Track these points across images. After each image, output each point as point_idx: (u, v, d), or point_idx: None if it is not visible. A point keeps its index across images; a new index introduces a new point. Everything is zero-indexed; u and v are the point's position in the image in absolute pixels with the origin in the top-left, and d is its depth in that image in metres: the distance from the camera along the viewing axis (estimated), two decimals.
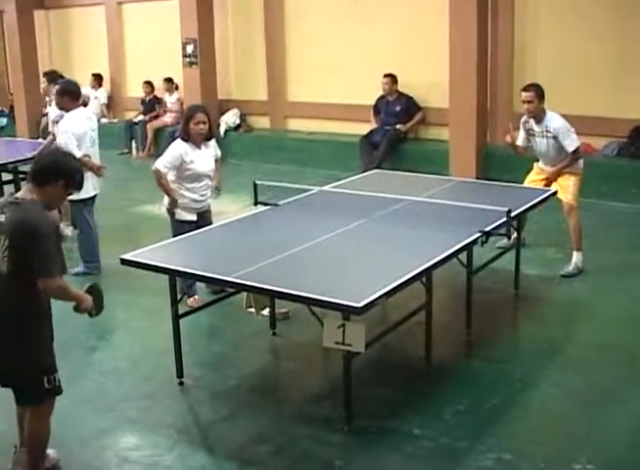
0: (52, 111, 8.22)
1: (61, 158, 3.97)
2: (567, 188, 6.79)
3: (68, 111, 7.10)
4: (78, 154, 6.88)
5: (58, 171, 3.80)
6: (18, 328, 3.71)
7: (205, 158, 6.19)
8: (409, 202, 5.97)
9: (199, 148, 6.14)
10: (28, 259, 3.61)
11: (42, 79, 9.51)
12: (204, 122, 6.05)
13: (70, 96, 7.13)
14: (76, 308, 3.89)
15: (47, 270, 3.63)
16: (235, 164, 12.05)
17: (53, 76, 8.76)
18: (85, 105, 12.93)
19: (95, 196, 7.27)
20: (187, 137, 6.08)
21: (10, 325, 3.72)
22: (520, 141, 7.07)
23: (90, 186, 6.94)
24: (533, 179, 7.06)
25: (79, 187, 3.95)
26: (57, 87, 7.38)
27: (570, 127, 6.76)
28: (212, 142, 6.32)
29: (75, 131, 6.96)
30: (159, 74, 13.37)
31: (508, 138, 7.02)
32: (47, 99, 9.24)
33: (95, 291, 3.97)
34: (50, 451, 4.10)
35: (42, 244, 3.61)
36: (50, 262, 3.65)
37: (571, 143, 6.72)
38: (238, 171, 11.25)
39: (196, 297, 6.08)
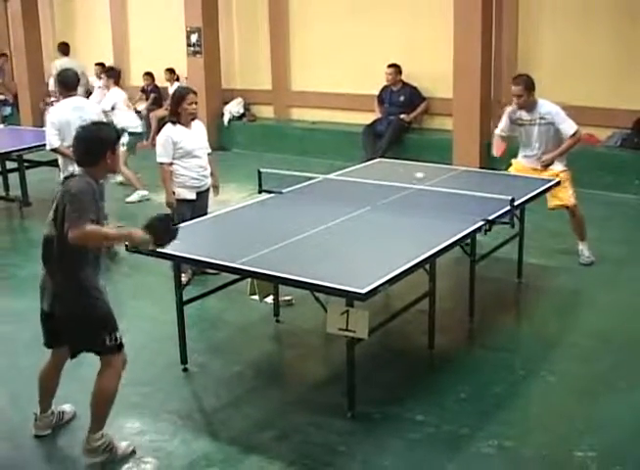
0: None
1: (93, 134, 4.00)
2: (564, 190, 6.61)
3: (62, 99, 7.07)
4: (57, 144, 6.88)
5: (100, 147, 3.93)
6: (70, 282, 3.88)
7: (193, 136, 6.39)
8: (412, 190, 5.98)
9: (187, 128, 6.35)
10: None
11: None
12: (195, 103, 6.35)
13: (62, 86, 7.08)
14: (133, 246, 4.16)
15: (72, 222, 3.71)
16: (239, 153, 12.07)
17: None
18: (90, 94, 12.97)
19: None
20: (176, 119, 6.30)
21: (63, 279, 3.88)
22: (499, 130, 6.97)
23: None
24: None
25: (120, 136, 4.13)
26: None
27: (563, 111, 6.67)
28: (199, 122, 6.52)
29: (56, 121, 6.91)
30: (162, 64, 13.34)
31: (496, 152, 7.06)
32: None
33: (152, 225, 3.91)
34: (66, 406, 4.42)
35: (73, 202, 3.74)
36: (75, 215, 3.71)
37: (571, 126, 6.59)
38: (242, 160, 11.27)
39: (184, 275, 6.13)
